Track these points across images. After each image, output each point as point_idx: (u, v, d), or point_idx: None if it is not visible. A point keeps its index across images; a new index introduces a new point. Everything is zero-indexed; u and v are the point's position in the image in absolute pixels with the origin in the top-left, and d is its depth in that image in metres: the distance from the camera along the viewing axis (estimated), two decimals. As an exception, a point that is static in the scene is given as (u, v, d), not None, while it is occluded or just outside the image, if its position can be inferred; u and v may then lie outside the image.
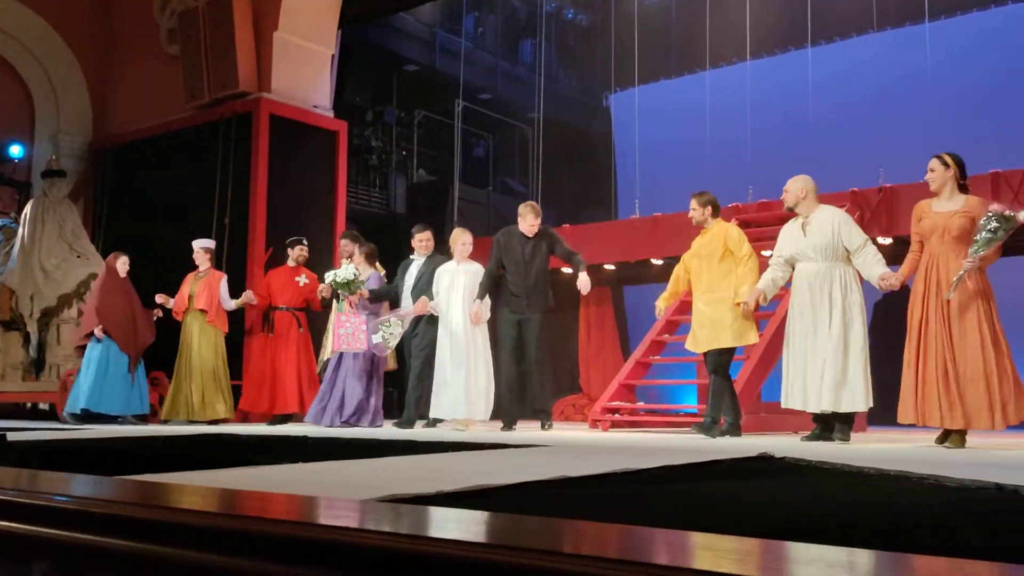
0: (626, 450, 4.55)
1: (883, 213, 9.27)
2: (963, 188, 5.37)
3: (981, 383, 5.04)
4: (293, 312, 8.75)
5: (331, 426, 7.54)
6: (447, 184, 14.22)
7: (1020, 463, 3.85)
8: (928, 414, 5.17)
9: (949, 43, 12.53)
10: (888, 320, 6.05)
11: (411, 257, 8.08)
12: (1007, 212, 5.01)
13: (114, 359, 8.36)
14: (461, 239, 7.68)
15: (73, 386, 8.40)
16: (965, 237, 5.20)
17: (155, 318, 8.72)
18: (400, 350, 8.10)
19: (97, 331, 8.34)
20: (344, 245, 8.59)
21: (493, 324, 7.57)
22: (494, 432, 6.87)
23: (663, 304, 6.85)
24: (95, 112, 11.71)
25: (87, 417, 8.19)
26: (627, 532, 1.48)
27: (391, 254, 8.70)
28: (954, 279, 5.13)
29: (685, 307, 8.83)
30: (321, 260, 9.41)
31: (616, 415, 8.12)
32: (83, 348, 8.55)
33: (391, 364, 8.30)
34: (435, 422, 7.65)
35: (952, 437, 5.19)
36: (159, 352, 8.76)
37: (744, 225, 8.10)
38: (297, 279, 8.70)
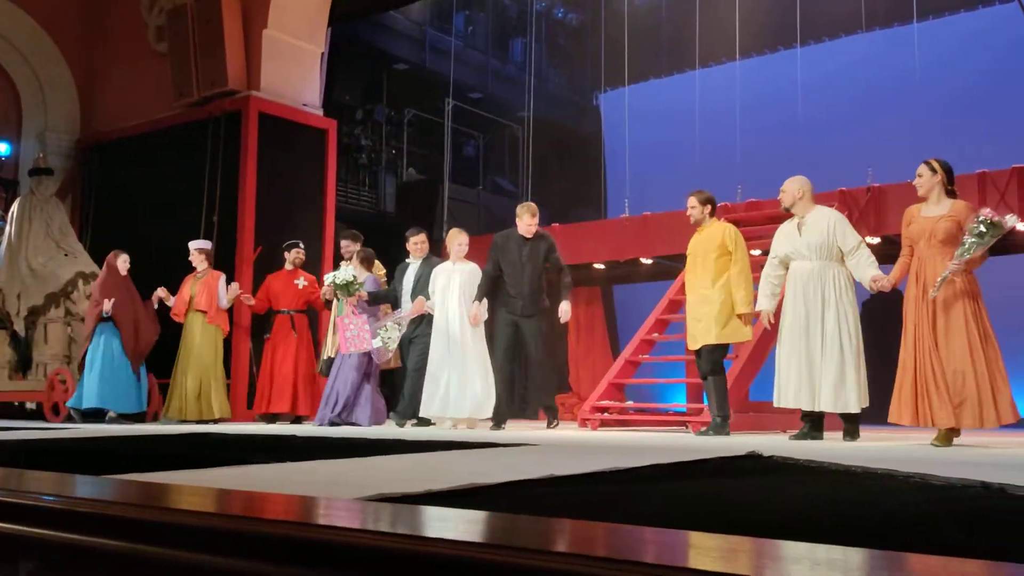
0: (615, 449, 4.56)
1: (871, 213, 9.31)
2: (950, 193, 5.46)
3: (970, 382, 5.09)
4: (292, 315, 8.82)
5: (324, 422, 7.59)
6: (437, 183, 14.21)
7: (1006, 462, 3.88)
8: (918, 414, 5.21)
9: (937, 44, 12.59)
10: (871, 320, 6.08)
11: (407, 260, 8.12)
12: (996, 218, 5.09)
13: (118, 357, 8.42)
14: (457, 240, 7.71)
15: (78, 383, 8.43)
16: (951, 241, 5.27)
17: (155, 307, 8.78)
18: (403, 347, 8.13)
19: (107, 304, 8.40)
20: (345, 246, 8.64)
21: (490, 325, 7.62)
22: (484, 431, 6.87)
23: None
24: (83, 110, 11.65)
25: (90, 415, 8.27)
26: (615, 531, 1.49)
27: (380, 253, 8.70)
28: (938, 279, 5.20)
29: (674, 306, 8.85)
30: (311, 259, 9.40)
31: (605, 414, 8.13)
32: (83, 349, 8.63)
33: (394, 363, 8.34)
34: (425, 421, 7.66)
35: (940, 434, 5.22)
36: (160, 353, 8.82)
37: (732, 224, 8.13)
38: (296, 282, 8.77)
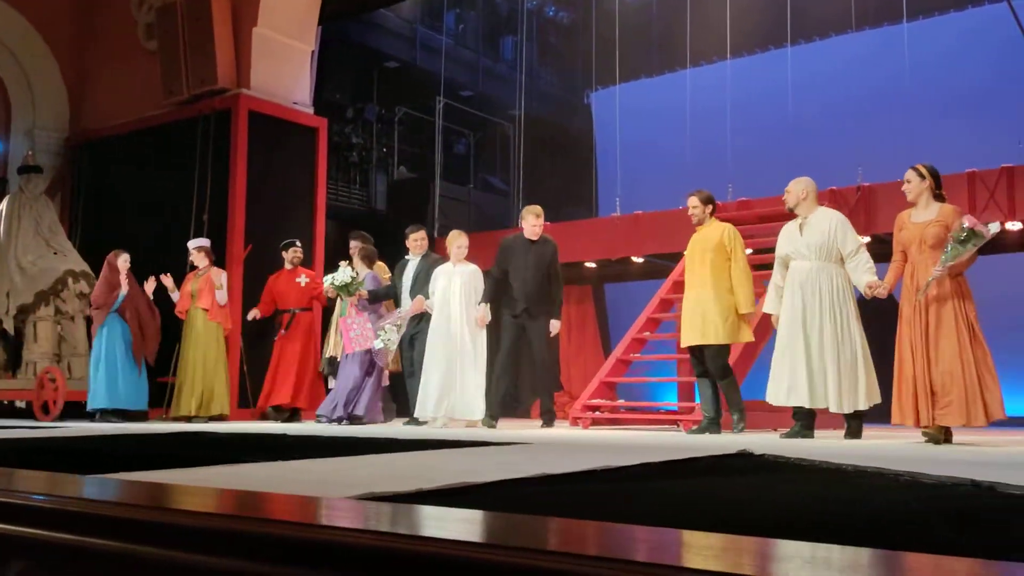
0: (606, 448, 4.57)
1: (861, 212, 9.34)
2: (938, 197, 5.56)
3: (960, 381, 5.16)
4: (293, 312, 8.90)
5: (330, 420, 7.73)
6: (428, 181, 14.19)
7: (996, 460, 3.90)
8: (917, 415, 5.29)
9: (927, 44, 12.63)
10: (871, 320, 6.11)
11: (406, 257, 8.17)
12: (977, 227, 5.18)
13: (121, 355, 8.47)
14: (457, 242, 7.73)
15: (90, 384, 8.48)
16: (941, 245, 5.36)
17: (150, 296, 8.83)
18: (403, 345, 8.16)
19: (123, 278, 8.56)
20: (354, 247, 8.66)
21: (493, 326, 7.70)
22: (476, 430, 6.88)
23: None
24: (72, 107, 11.59)
25: (110, 412, 8.37)
26: (607, 529, 1.49)
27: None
28: (923, 284, 5.30)
29: (666, 304, 8.87)
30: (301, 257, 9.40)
31: (597, 413, 8.14)
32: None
33: (393, 366, 8.39)
34: (416, 421, 7.67)
35: (932, 431, 5.28)
36: (162, 352, 8.90)
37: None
38: (297, 280, 8.92)
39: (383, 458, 3.66)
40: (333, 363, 8.38)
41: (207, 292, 8.71)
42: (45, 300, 9.30)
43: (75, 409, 8.76)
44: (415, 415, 7.58)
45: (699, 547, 1.29)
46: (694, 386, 8.31)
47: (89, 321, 9.44)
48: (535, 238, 7.59)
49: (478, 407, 7.40)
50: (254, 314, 8.96)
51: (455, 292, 7.53)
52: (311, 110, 10.70)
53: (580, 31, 16.79)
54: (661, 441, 5.52)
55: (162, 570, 1.49)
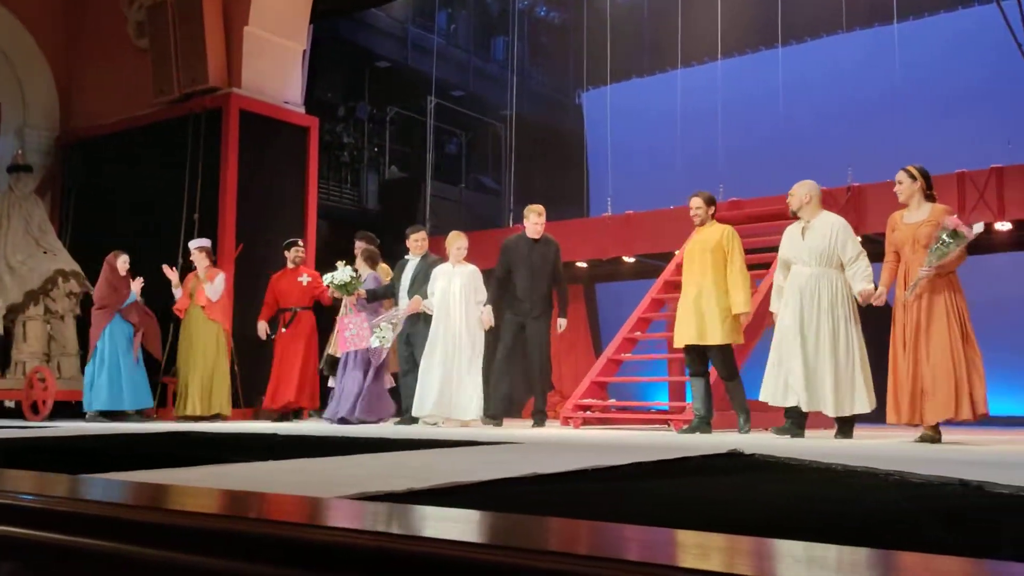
0: (597, 447, 4.57)
1: (851, 212, 9.34)
2: (929, 197, 5.63)
3: (950, 377, 5.22)
4: (295, 311, 8.91)
5: (334, 420, 7.74)
6: (419, 181, 14.18)
7: (984, 459, 3.91)
8: (911, 413, 5.34)
9: (917, 45, 12.67)
10: (868, 322, 6.14)
11: (406, 257, 8.19)
12: (959, 228, 5.25)
13: (125, 356, 8.46)
14: (457, 243, 7.74)
15: (92, 385, 8.43)
16: None
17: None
18: (400, 343, 8.17)
19: (135, 285, 8.61)
20: (359, 248, 8.66)
21: (495, 327, 7.72)
22: (470, 430, 6.88)
23: None
24: (62, 106, 11.54)
25: (107, 413, 8.35)
26: (598, 529, 1.49)
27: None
28: (911, 284, 5.36)
29: (657, 304, 8.87)
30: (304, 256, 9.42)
31: (588, 412, 8.14)
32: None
33: (393, 367, 8.40)
34: (411, 420, 7.69)
35: (925, 432, 5.33)
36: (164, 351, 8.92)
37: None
38: (300, 279, 8.94)
39: (374, 458, 3.66)
40: (333, 362, 8.38)
41: (204, 291, 8.74)
42: (35, 299, 9.26)
43: (65, 409, 8.73)
44: (413, 413, 7.60)
45: (691, 546, 1.30)
46: (685, 386, 8.33)
47: (79, 321, 9.42)
48: (537, 236, 7.64)
49: (474, 407, 7.41)
50: (263, 328, 8.93)
51: (455, 293, 7.54)
52: (302, 109, 10.68)
53: (571, 31, 16.79)
54: (652, 441, 5.53)
55: (152, 570, 1.48)
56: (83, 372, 8.92)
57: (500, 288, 7.67)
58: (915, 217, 5.55)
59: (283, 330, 8.89)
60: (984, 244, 8.86)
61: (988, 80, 12.11)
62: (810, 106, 13.41)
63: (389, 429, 6.85)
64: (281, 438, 5.16)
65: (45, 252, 9.62)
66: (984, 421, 5.56)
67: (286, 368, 8.79)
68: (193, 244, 8.99)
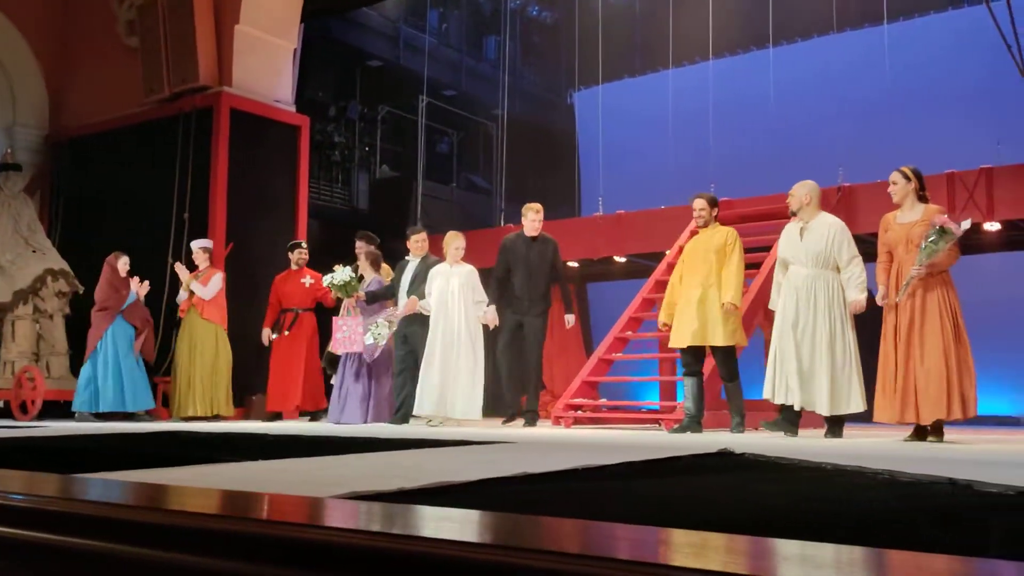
0: (588, 447, 4.57)
1: (841, 212, 9.37)
2: (922, 198, 5.69)
3: (943, 377, 5.26)
4: (297, 312, 8.91)
5: (336, 421, 7.75)
6: (410, 180, 14.16)
7: (973, 458, 3.93)
8: (899, 412, 5.38)
9: (907, 45, 12.71)
10: (861, 323, 6.17)
11: (406, 258, 8.18)
12: (948, 225, 5.30)
13: (124, 357, 8.43)
14: (455, 243, 7.74)
15: (91, 385, 8.38)
16: None
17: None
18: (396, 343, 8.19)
19: (138, 287, 8.56)
20: (359, 247, 8.66)
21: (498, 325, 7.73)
22: (464, 429, 6.88)
23: (666, 319, 6.84)
24: (52, 104, 11.50)
25: (105, 414, 8.33)
26: (589, 527, 1.49)
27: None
28: (903, 284, 5.41)
29: (648, 304, 8.88)
30: (283, 257, 9.35)
31: (579, 412, 8.14)
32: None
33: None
34: (405, 419, 7.70)
35: (928, 433, 5.38)
36: (163, 351, 8.91)
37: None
38: (302, 281, 8.93)
39: (365, 457, 3.66)
40: (333, 359, 8.36)
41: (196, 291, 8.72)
42: (24, 299, 9.22)
43: (54, 409, 8.70)
44: (414, 412, 7.60)
45: (681, 545, 1.30)
46: (676, 385, 8.34)
47: (68, 320, 9.38)
48: (535, 234, 7.66)
49: (473, 407, 7.41)
50: (267, 334, 8.90)
51: (453, 292, 7.53)
52: (293, 108, 10.66)
53: (563, 31, 16.79)
54: (643, 440, 5.54)
55: (144, 570, 1.48)
56: (73, 372, 8.89)
57: (500, 287, 7.67)
58: (908, 217, 5.59)
59: (285, 332, 8.87)
60: (974, 244, 8.90)
61: (978, 81, 12.15)
62: (801, 107, 13.45)
63: (381, 429, 6.85)
64: (272, 438, 5.15)
65: (34, 251, 9.59)
66: (974, 420, 5.59)
67: (291, 371, 8.75)
68: (196, 244, 8.97)
